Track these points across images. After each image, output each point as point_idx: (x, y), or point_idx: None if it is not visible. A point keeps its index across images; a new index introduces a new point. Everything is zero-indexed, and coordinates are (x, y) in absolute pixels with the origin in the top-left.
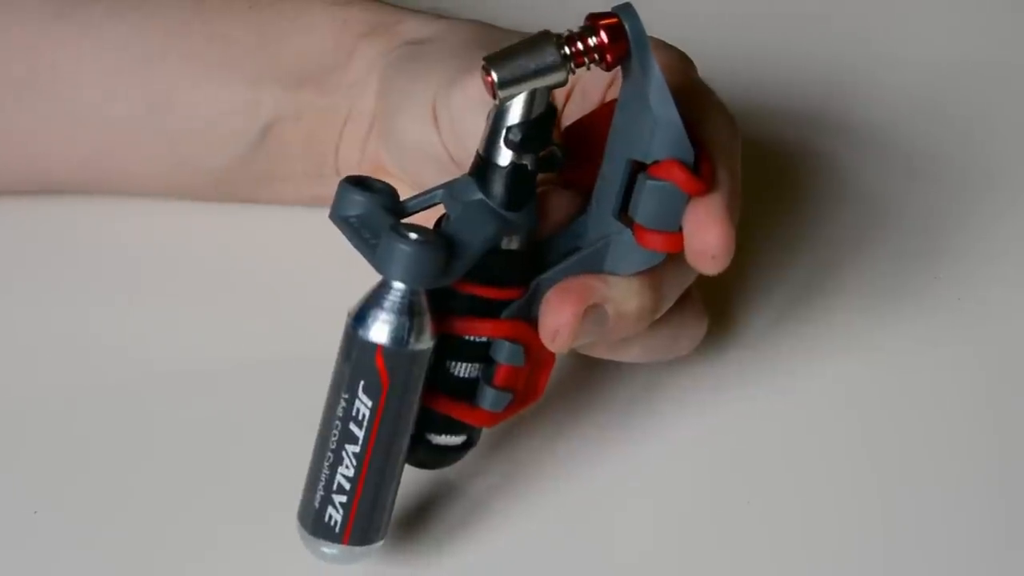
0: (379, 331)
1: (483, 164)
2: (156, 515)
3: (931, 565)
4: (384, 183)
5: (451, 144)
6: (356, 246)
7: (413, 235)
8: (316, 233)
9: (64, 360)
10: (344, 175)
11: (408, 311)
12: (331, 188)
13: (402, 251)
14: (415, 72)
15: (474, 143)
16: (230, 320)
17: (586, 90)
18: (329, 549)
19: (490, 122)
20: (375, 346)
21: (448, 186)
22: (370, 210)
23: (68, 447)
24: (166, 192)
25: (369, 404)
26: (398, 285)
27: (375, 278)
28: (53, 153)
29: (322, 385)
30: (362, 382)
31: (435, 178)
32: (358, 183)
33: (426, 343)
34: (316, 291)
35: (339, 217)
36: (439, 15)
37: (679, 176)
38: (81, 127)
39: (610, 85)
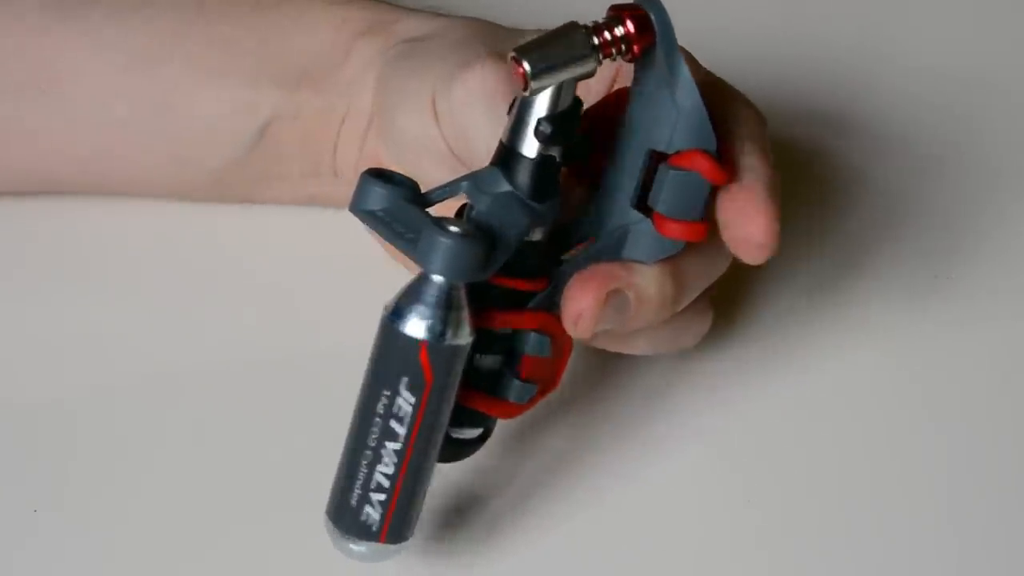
0: (423, 327)
1: (510, 155)
2: (156, 514)
3: (938, 563)
4: (405, 176)
5: (452, 139)
6: (388, 239)
7: (454, 228)
8: (314, 233)
9: (64, 359)
10: (341, 174)
11: (452, 306)
12: (328, 187)
13: (447, 245)
14: (413, 68)
15: (476, 137)
16: (229, 319)
17: (588, 84)
18: (363, 547)
19: (516, 113)
20: (419, 342)
21: (472, 177)
22: (395, 203)
23: (68, 446)
24: (166, 193)
25: (412, 400)
26: (441, 279)
27: (372, 278)
28: (53, 154)
29: (321, 383)
30: (405, 379)
31: (435, 173)
32: (379, 175)
33: (467, 337)
34: (314, 290)
35: (363, 211)
36: (438, 13)
37: (704, 165)
38: (81, 128)
39: (614, 80)
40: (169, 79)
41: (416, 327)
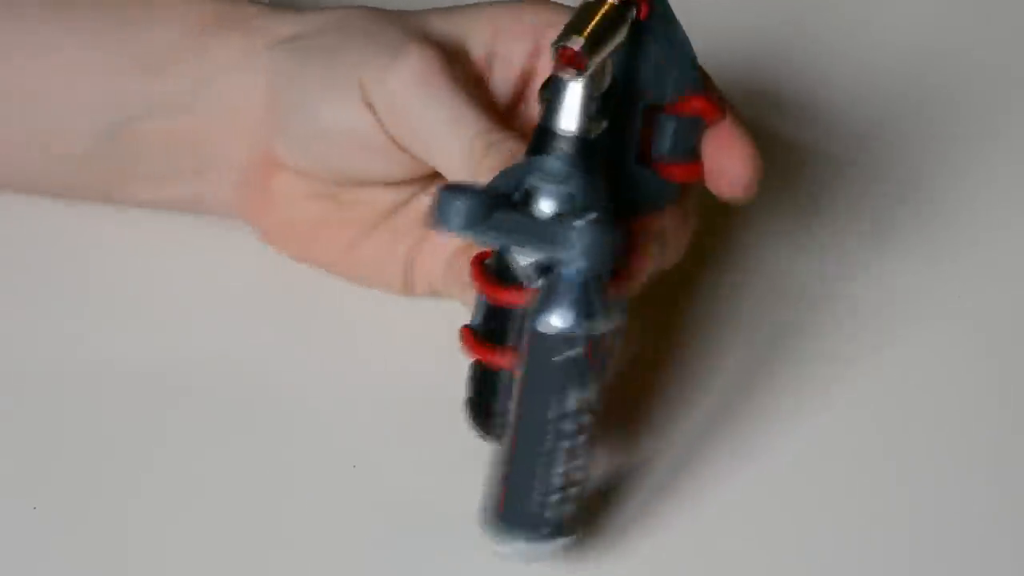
0: (589, 322)
1: (562, 139)
2: (155, 512)
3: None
4: (471, 184)
5: (392, 127)
6: (505, 244)
7: (589, 216)
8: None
9: (60, 357)
10: (220, 171)
11: (601, 294)
12: (195, 188)
13: (593, 236)
14: (328, 62)
15: (420, 125)
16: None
17: (507, 56)
18: (544, 547)
19: (562, 96)
20: (588, 337)
21: (534, 169)
22: (483, 211)
23: (67, 444)
24: (21, 187)
25: (586, 395)
26: (586, 272)
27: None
28: None
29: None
30: (576, 375)
31: (361, 164)
32: (455, 189)
33: (613, 321)
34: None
35: (458, 227)
36: (299, 10)
37: (704, 107)
38: None
39: (531, 54)
40: (23, 69)
41: (582, 325)
